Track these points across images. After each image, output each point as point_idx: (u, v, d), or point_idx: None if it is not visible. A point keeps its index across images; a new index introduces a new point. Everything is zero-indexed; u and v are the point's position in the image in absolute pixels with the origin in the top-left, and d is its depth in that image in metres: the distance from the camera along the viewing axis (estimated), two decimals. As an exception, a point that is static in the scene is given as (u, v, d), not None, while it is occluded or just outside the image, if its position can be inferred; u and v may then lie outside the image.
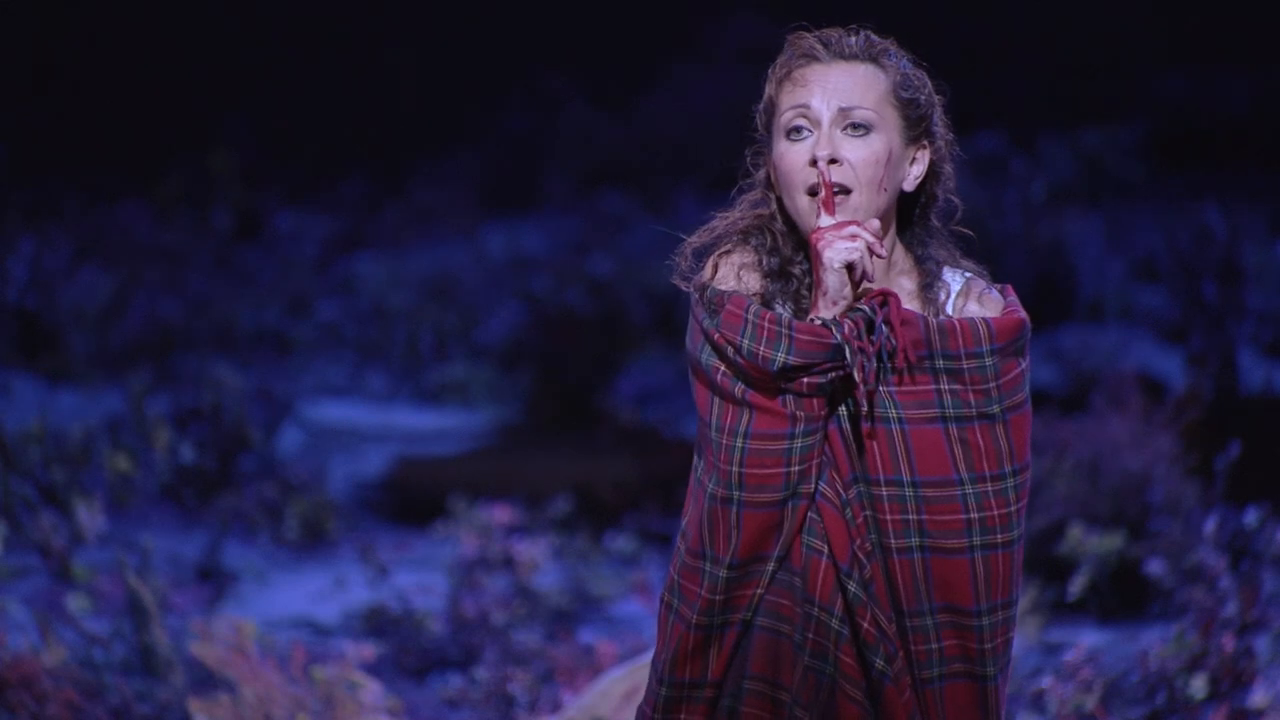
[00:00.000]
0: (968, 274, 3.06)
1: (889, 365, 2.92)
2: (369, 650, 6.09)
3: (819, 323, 2.92)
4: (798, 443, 2.95)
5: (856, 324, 2.91)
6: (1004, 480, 2.96)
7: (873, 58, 3.00)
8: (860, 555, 2.96)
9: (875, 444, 2.94)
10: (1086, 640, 6.70)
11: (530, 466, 9.58)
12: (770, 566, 2.99)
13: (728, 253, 3.06)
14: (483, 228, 14.47)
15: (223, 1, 16.65)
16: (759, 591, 3.01)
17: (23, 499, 7.81)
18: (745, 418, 2.97)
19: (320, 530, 8.44)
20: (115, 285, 11.73)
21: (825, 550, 2.97)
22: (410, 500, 9.17)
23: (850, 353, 2.90)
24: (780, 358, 2.92)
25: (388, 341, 12.13)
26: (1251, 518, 6.36)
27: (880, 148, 2.95)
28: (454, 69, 16.92)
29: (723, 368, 2.97)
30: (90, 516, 7.79)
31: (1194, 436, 7.81)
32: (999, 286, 3.09)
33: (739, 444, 2.98)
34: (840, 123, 2.96)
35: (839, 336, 2.90)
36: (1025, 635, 6.89)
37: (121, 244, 13.04)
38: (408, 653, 6.95)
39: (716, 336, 2.97)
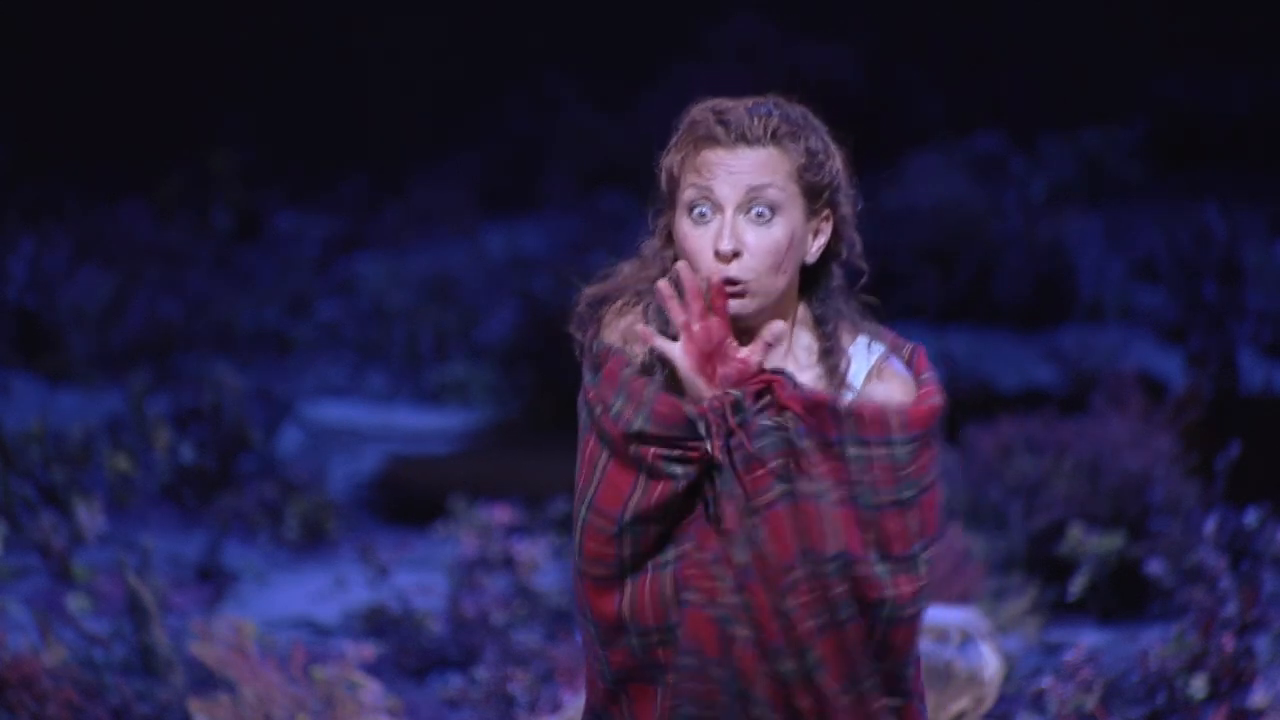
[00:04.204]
0: (877, 348, 3.02)
1: (801, 448, 2.90)
2: (369, 650, 6.08)
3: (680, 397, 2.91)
4: (627, 530, 2.94)
5: (721, 402, 2.88)
6: (914, 559, 2.96)
7: (775, 141, 2.96)
8: (802, 638, 2.94)
9: (816, 522, 2.91)
10: (1086, 640, 6.70)
11: (530, 466, 9.57)
12: (630, 641, 2.98)
13: (618, 314, 3.04)
14: (483, 228, 14.47)
15: (223, 2, 16.65)
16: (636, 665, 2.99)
17: (23, 499, 7.81)
18: (591, 489, 2.96)
19: (320, 530, 8.44)
20: (115, 285, 11.72)
21: (750, 636, 2.94)
22: (410, 500, 9.17)
23: (705, 427, 2.88)
24: (638, 423, 2.91)
25: (388, 341, 12.12)
26: (1251, 518, 6.36)
27: (781, 234, 2.93)
28: (454, 69, 16.91)
29: (596, 434, 2.98)
30: (90, 516, 7.79)
31: (1194, 436, 7.81)
32: (909, 347, 3.06)
33: (583, 513, 2.97)
34: (743, 209, 2.93)
35: (692, 410, 2.89)
36: (1025, 635, 6.90)
37: (121, 244, 13.04)
38: (408, 653, 6.95)
39: (592, 395, 2.98)
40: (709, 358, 2.89)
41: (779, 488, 2.90)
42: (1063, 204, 13.29)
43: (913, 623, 2.97)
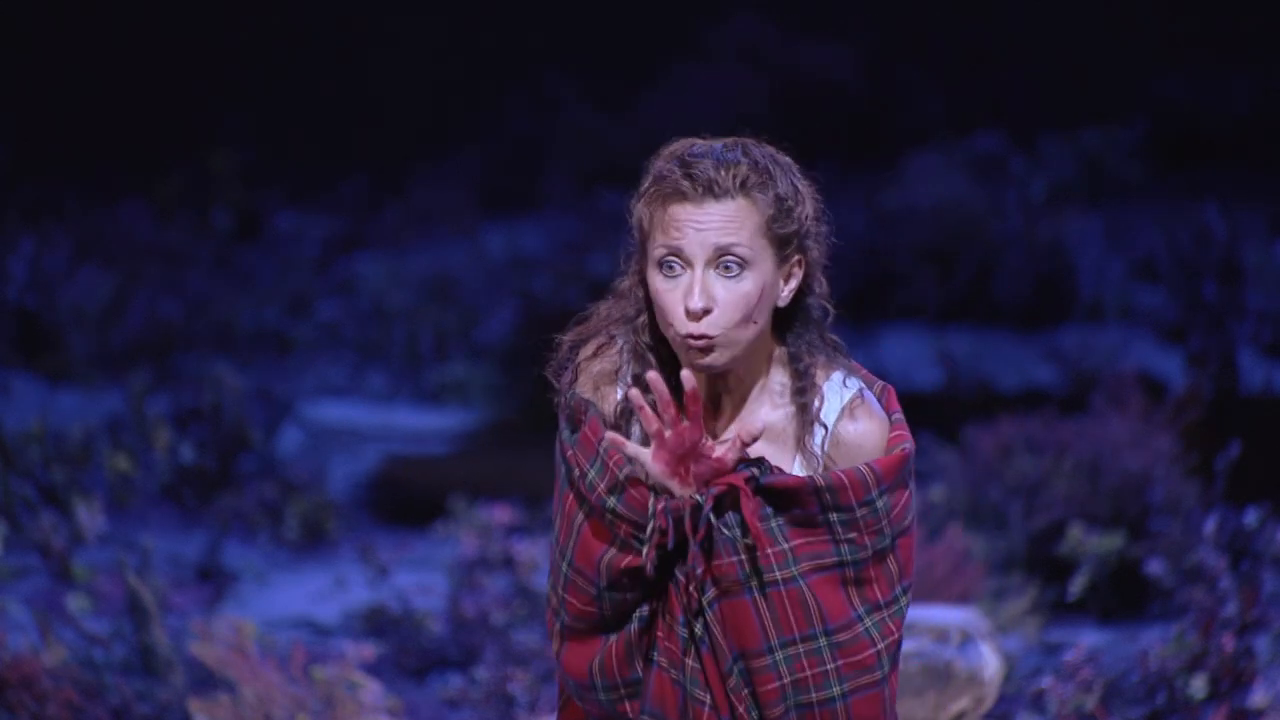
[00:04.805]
0: (852, 384, 3.00)
1: (780, 522, 2.90)
2: (369, 650, 6.08)
3: (650, 486, 2.91)
4: (605, 595, 2.95)
5: (680, 508, 2.88)
6: (896, 601, 2.97)
7: (744, 191, 2.91)
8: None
9: (787, 606, 2.91)
10: (1086, 640, 6.70)
11: (530, 466, 9.57)
12: (596, 696, 2.99)
13: (591, 358, 3.05)
14: (483, 228, 14.47)
15: (223, 2, 16.65)
16: None
17: (23, 499, 7.81)
18: (571, 543, 2.98)
19: (320, 530, 8.44)
20: (115, 285, 11.72)
21: (708, 701, 2.95)
22: (410, 500, 9.17)
23: (650, 529, 2.89)
24: (611, 503, 2.92)
25: (388, 341, 12.12)
26: (1251, 518, 6.36)
27: (751, 288, 2.90)
28: (454, 69, 16.91)
29: (573, 493, 2.99)
30: (90, 516, 7.79)
31: (1194, 436, 7.81)
32: (879, 385, 3.04)
33: (564, 568, 2.99)
34: (712, 263, 2.90)
35: (653, 510, 2.89)
36: (1025, 635, 6.90)
37: (121, 244, 13.03)
38: (408, 653, 6.95)
39: (569, 455, 2.99)
40: (682, 460, 2.88)
41: (738, 584, 2.91)
42: (1063, 204, 13.28)
43: (897, 656, 2.99)
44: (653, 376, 2.88)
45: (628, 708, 2.99)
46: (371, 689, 5.71)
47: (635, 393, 2.90)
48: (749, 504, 2.87)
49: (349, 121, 16.48)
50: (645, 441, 2.96)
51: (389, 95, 16.69)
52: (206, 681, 5.98)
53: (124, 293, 11.72)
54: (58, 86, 15.75)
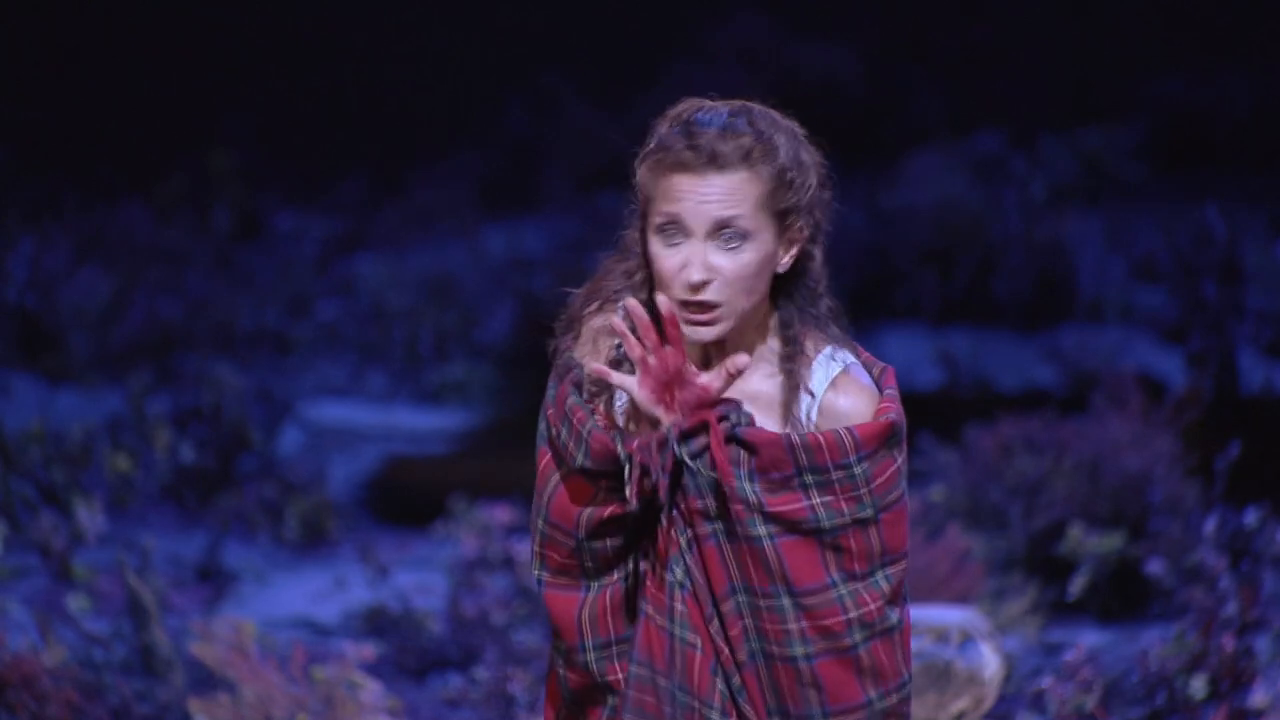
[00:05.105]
0: (842, 357, 2.98)
1: (755, 486, 2.88)
2: (369, 650, 6.08)
3: (612, 434, 2.91)
4: (585, 546, 2.95)
5: (647, 443, 2.87)
6: (873, 575, 2.92)
7: (747, 163, 2.89)
8: (726, 664, 2.94)
9: (748, 560, 2.90)
10: (1086, 640, 6.70)
11: (531, 466, 9.57)
12: (585, 657, 2.99)
13: (594, 313, 3.04)
14: (483, 228, 14.47)
15: (223, 2, 16.65)
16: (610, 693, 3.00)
17: (23, 499, 7.81)
18: (546, 500, 2.98)
19: (320, 530, 8.44)
20: (115, 285, 11.72)
21: (698, 644, 2.94)
22: (410, 500, 9.17)
23: (630, 467, 2.88)
24: (579, 459, 2.93)
25: (388, 341, 12.13)
26: (1251, 518, 6.36)
27: (751, 259, 2.89)
28: (454, 69, 16.91)
29: (551, 451, 2.99)
30: (90, 516, 7.79)
31: (1194, 436, 7.81)
32: (879, 367, 3.02)
33: (540, 526, 2.99)
34: (712, 235, 2.89)
35: (622, 450, 2.89)
36: (1025, 635, 6.90)
37: (121, 244, 13.04)
38: (408, 653, 6.95)
39: (551, 414, 2.99)
40: (667, 386, 2.87)
41: (707, 527, 2.90)
42: (1063, 204, 13.29)
43: (891, 636, 2.94)
44: (631, 304, 2.87)
45: (617, 669, 2.98)
46: (371, 689, 5.71)
47: (618, 320, 2.90)
48: (717, 438, 2.86)
49: (349, 121, 16.48)
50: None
51: (389, 95, 16.70)
52: (206, 681, 5.98)
53: (124, 293, 11.72)
54: (57, 86, 15.75)
